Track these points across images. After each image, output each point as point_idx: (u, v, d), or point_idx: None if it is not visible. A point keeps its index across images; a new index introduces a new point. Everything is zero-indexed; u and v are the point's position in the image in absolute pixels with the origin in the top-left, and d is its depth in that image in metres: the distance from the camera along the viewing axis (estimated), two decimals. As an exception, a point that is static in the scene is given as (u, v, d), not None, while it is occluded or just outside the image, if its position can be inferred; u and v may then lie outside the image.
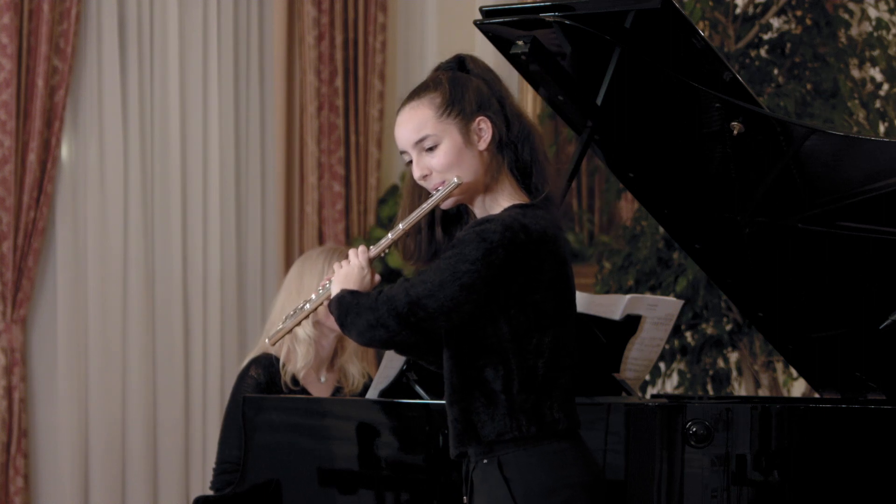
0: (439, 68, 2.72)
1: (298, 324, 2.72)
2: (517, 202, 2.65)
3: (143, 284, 5.88)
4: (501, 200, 2.66)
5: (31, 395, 5.66)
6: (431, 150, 2.64)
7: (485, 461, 2.61)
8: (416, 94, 2.68)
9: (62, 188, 5.69)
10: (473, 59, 2.71)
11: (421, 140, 2.64)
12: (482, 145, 2.64)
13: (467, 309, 2.54)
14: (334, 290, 2.67)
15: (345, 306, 2.62)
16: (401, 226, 2.68)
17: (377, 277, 2.70)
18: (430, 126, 2.63)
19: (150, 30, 5.96)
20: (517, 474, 2.57)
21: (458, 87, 2.65)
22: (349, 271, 2.67)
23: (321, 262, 3.84)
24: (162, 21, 5.98)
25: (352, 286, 2.66)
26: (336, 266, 2.70)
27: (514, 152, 2.65)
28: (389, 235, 2.69)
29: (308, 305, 2.71)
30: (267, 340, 2.78)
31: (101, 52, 5.79)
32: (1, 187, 5.45)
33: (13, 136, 5.45)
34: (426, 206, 2.66)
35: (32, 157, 5.50)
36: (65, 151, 5.73)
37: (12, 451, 5.50)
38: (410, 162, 2.68)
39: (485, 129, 2.64)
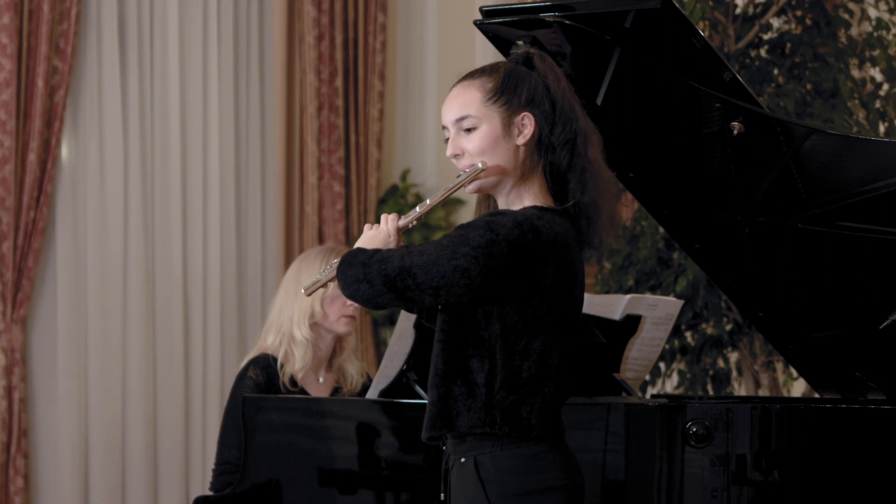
0: (510, 59, 2.73)
1: (332, 279, 2.71)
2: (539, 204, 2.64)
3: (143, 284, 5.88)
4: (525, 199, 2.65)
5: (31, 395, 5.66)
6: (469, 132, 2.64)
7: (462, 460, 2.61)
8: (472, 74, 2.70)
9: (62, 188, 5.69)
10: (542, 58, 2.71)
11: (461, 119, 2.65)
12: (520, 140, 2.64)
13: (456, 292, 2.53)
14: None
15: (346, 258, 2.63)
16: (427, 201, 2.69)
17: None
18: (473, 108, 2.64)
19: (150, 30, 5.96)
20: (493, 475, 2.57)
21: (514, 78, 2.66)
22: (375, 234, 2.68)
23: (318, 261, 3.84)
24: (162, 21, 5.98)
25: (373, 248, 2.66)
26: (366, 227, 2.70)
27: (551, 154, 2.65)
28: (417, 209, 2.70)
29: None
30: (303, 291, 2.79)
31: (101, 52, 5.79)
32: (1, 187, 5.45)
33: (13, 136, 5.45)
34: (451, 186, 2.66)
35: (32, 157, 5.50)
36: (65, 151, 5.73)
37: (12, 451, 5.50)
38: (448, 140, 2.69)
39: (527, 125, 2.64)
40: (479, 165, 2.62)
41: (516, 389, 2.57)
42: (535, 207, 2.62)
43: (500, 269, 2.53)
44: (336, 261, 2.69)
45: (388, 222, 2.68)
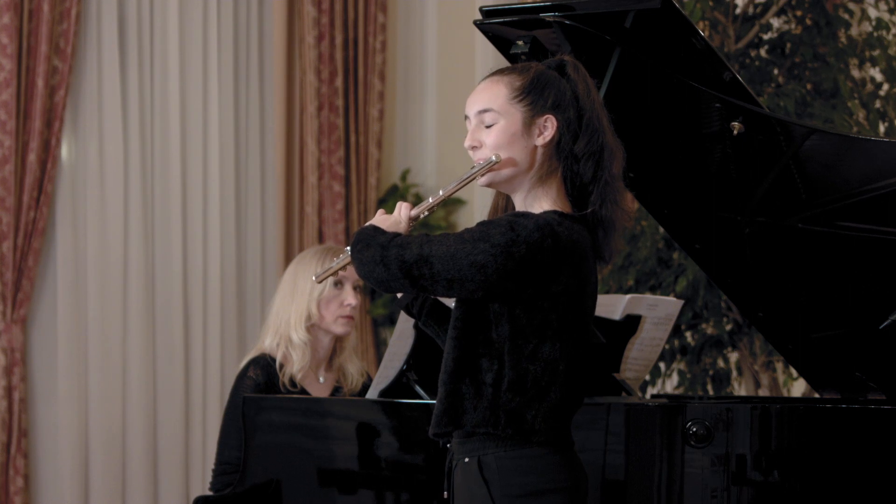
0: (544, 63, 2.75)
1: (343, 267, 2.74)
2: (558, 209, 2.65)
3: (143, 284, 5.88)
4: (543, 202, 2.66)
5: (31, 395, 5.66)
6: (489, 128, 2.66)
7: (466, 460, 2.62)
8: (503, 70, 2.71)
9: (62, 188, 5.69)
10: (577, 67, 2.72)
11: (483, 112, 2.67)
12: (539, 141, 2.65)
13: (469, 287, 2.54)
14: None
15: (362, 235, 2.63)
16: (441, 192, 2.71)
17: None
18: (497, 103, 2.66)
19: (150, 30, 5.96)
20: (496, 476, 2.58)
21: (542, 80, 2.67)
22: (387, 218, 2.69)
23: (314, 263, 3.84)
24: (162, 21, 5.98)
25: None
26: (379, 212, 2.72)
27: (574, 164, 2.65)
28: (430, 199, 2.72)
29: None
30: (314, 278, 2.81)
31: (101, 52, 5.79)
32: (1, 187, 5.45)
33: (13, 136, 5.45)
34: (464, 177, 2.68)
35: (32, 157, 5.50)
36: (65, 151, 5.73)
37: (12, 451, 5.50)
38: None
39: (548, 128, 2.65)
40: (493, 158, 2.64)
41: (523, 392, 2.57)
42: (555, 212, 2.62)
43: (515, 270, 2.53)
44: (348, 248, 2.70)
45: (402, 210, 2.70)
